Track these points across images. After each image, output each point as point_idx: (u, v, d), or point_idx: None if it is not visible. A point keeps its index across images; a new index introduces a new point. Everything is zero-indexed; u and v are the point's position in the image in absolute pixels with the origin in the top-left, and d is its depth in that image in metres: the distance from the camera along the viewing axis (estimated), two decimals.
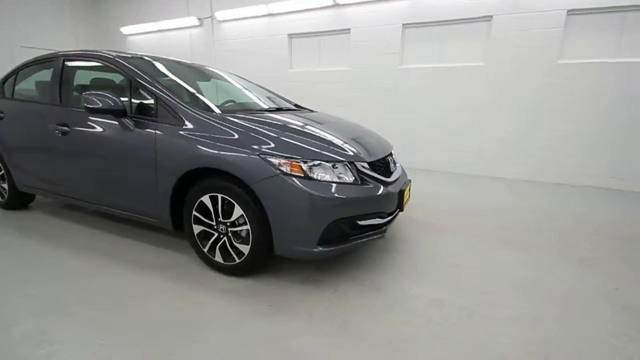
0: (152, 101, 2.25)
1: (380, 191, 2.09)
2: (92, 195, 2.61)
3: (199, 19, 6.84)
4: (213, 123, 2.09)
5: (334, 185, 1.90)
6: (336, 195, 1.87)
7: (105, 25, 8.15)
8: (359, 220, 2.02)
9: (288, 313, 1.83)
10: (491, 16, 4.60)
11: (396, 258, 2.46)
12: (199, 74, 3.05)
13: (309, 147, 1.98)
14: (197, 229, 2.18)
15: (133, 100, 2.35)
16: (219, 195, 2.03)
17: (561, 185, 4.56)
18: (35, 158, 2.85)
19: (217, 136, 2.03)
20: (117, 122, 2.30)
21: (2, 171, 3.16)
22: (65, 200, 2.85)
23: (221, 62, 6.71)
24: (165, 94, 2.21)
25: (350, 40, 5.54)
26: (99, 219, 3.09)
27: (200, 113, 2.14)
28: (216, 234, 2.13)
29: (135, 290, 2.01)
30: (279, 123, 2.24)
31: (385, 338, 1.65)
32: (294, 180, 1.84)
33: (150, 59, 2.65)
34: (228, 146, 1.97)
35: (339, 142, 2.14)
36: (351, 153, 2.09)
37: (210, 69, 3.28)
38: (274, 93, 3.44)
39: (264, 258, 2.07)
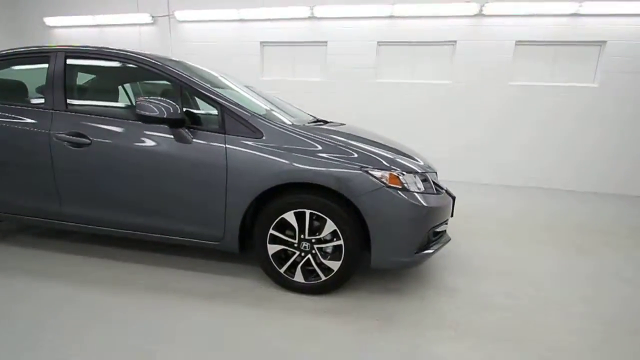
0: (214, 111, 2.04)
1: (449, 198, 2.26)
2: (118, 218, 2.20)
3: (153, 17, 6.18)
4: (296, 135, 1.99)
5: (428, 195, 2.00)
6: (433, 204, 1.98)
7: (17, 12, 6.74)
8: (437, 227, 2.15)
9: (399, 324, 1.85)
10: (455, 41, 5.25)
11: (445, 260, 2.65)
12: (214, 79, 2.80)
13: (397, 160, 2.04)
14: (273, 248, 2.04)
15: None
16: (307, 211, 1.95)
17: (512, 186, 5.42)
18: (19, 175, 2.28)
19: (304, 149, 1.94)
20: (168, 134, 2.01)
21: None
22: (57, 226, 2.30)
23: None
24: (235, 103, 2.03)
25: (327, 52, 5.68)
26: (101, 246, 2.59)
27: (279, 124, 2.02)
28: (297, 252, 2.02)
29: (223, 324, 1.78)
30: (346, 136, 2.23)
31: (500, 335, 1.79)
32: (397, 193, 1.88)
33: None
34: (323, 160, 1.91)
35: (405, 154, 2.25)
36: (421, 164, 2.22)
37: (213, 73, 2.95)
38: (291, 104, 3.35)
39: (352, 273, 2.04)
